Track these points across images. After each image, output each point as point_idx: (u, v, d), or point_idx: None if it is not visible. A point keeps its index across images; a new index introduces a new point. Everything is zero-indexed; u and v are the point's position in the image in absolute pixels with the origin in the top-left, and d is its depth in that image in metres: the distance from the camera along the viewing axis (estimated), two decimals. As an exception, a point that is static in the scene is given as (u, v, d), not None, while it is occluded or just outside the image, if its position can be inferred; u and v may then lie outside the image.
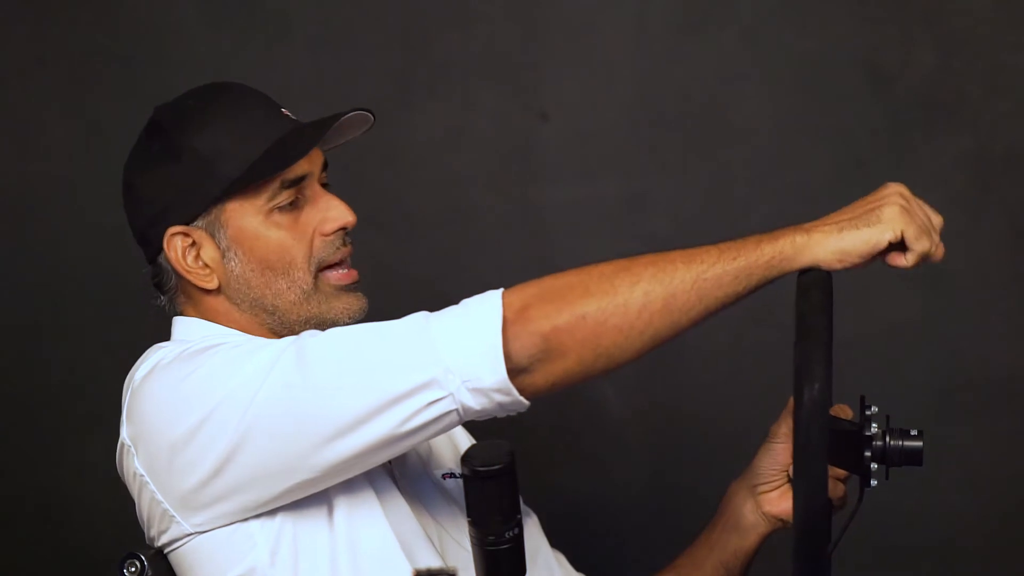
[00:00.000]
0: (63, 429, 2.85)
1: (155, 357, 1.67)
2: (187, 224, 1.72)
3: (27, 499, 2.88)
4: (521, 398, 1.52)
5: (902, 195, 1.54)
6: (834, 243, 1.51)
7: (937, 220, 1.57)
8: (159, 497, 1.63)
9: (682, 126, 2.77)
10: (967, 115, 2.70)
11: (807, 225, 1.53)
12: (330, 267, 1.74)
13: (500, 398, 1.51)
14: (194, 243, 1.72)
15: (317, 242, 1.73)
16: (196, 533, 1.63)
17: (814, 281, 1.50)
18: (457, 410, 1.52)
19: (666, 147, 2.77)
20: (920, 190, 2.79)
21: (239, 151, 1.70)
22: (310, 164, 1.73)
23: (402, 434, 1.54)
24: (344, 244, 1.74)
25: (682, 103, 2.77)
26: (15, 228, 2.86)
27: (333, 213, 1.74)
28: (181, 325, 1.77)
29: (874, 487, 1.54)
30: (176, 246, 1.72)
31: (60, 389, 2.86)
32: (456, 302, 1.55)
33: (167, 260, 1.73)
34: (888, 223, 1.52)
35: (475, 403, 1.51)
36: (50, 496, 2.87)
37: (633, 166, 2.78)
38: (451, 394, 1.51)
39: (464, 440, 1.89)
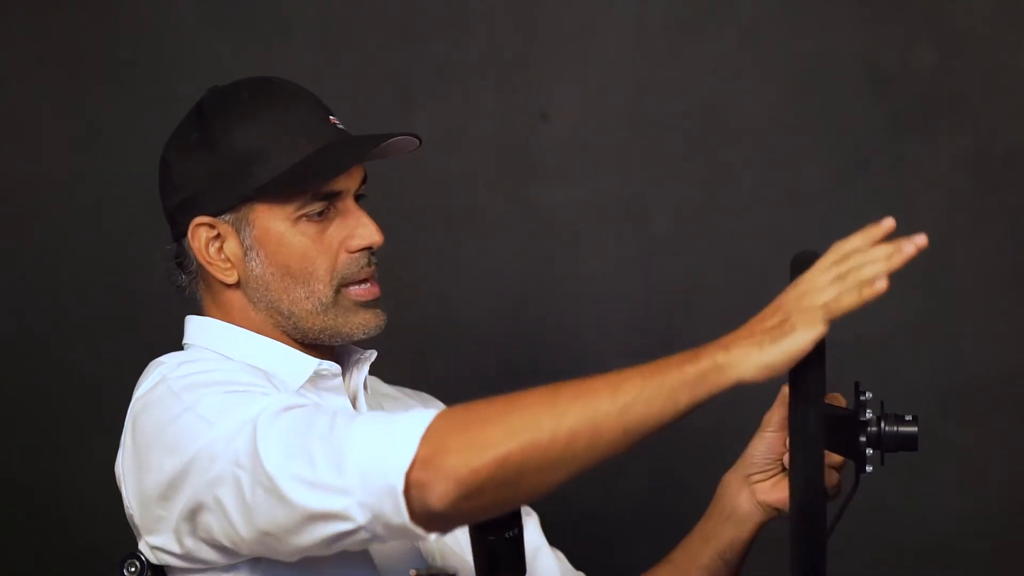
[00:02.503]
0: (63, 429, 2.85)
1: (154, 376, 1.66)
2: (214, 216, 1.72)
3: (28, 499, 2.87)
4: (430, 535, 1.46)
5: (801, 291, 1.42)
6: (755, 359, 1.41)
7: (853, 247, 1.44)
8: (141, 535, 1.66)
9: (682, 126, 2.77)
10: (967, 115, 2.70)
11: (725, 340, 1.43)
12: (353, 283, 1.73)
13: (410, 534, 1.46)
14: (219, 236, 1.72)
15: (342, 258, 1.72)
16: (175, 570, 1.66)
17: (807, 268, 1.49)
18: (376, 535, 1.47)
19: (666, 147, 2.77)
20: (920, 190, 2.80)
21: (277, 155, 1.69)
22: (347, 180, 1.73)
23: (331, 548, 1.51)
24: (369, 264, 1.74)
25: (682, 103, 2.77)
26: (15, 228, 2.86)
27: (360, 231, 1.73)
28: (193, 326, 1.77)
29: (870, 482, 1.54)
30: (200, 236, 1.72)
31: (61, 389, 2.85)
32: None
33: (190, 248, 1.74)
34: (803, 328, 1.40)
35: (388, 535, 1.47)
36: (51, 496, 2.86)
37: (633, 166, 2.78)
38: (362, 527, 1.46)
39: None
